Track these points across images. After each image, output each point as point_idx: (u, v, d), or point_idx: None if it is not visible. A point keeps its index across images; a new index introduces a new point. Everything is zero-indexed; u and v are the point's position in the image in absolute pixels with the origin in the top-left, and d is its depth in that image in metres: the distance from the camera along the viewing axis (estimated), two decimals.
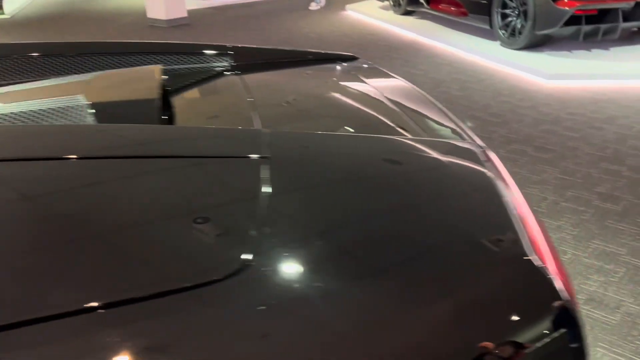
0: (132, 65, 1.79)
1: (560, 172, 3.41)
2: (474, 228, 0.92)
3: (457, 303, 0.78)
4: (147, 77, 1.51)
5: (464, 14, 6.81)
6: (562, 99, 4.76)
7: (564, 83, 5.14)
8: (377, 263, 0.80)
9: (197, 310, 0.67)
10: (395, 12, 8.75)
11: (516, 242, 0.93)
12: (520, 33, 6.00)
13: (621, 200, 3.05)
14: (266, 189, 0.89)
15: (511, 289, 0.86)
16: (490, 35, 6.57)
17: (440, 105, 1.65)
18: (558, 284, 0.87)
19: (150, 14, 9.03)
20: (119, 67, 1.73)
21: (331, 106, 1.51)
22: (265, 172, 0.94)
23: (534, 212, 1.07)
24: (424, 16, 8.32)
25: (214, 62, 1.89)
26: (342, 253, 0.80)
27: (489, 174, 1.11)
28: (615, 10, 5.59)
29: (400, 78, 1.81)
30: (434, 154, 1.15)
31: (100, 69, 1.72)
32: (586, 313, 2.19)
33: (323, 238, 0.83)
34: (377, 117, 1.39)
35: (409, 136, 1.25)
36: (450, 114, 1.49)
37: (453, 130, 1.35)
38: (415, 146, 1.17)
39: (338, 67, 1.90)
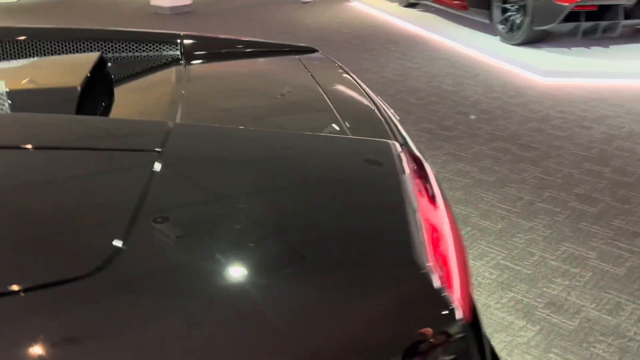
0: (75, 52, 1.76)
1: (541, 172, 3.35)
2: (354, 232, 0.88)
3: (313, 320, 0.73)
4: (77, 65, 1.48)
5: (464, 8, 6.72)
6: (554, 97, 4.68)
7: (559, 80, 5.05)
8: (241, 264, 0.76)
9: (61, 305, 0.64)
10: (399, 3, 8.66)
11: (403, 251, 0.88)
12: (519, 28, 5.90)
13: (599, 203, 2.99)
14: (140, 183, 0.86)
15: (390, 307, 0.80)
16: (491, 30, 6.47)
17: (378, 103, 1.60)
18: (452, 301, 0.81)
19: (154, 1, 9.00)
20: (60, 54, 1.70)
21: (259, 100, 1.47)
22: (147, 167, 0.91)
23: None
24: (427, 9, 8.21)
25: (163, 50, 1.86)
26: (200, 254, 0.77)
27: (395, 175, 1.07)
28: (616, 7, 5.48)
29: (349, 74, 1.76)
30: (336, 152, 1.11)
31: (41, 55, 1.69)
32: (544, 317, 2.15)
33: (185, 236, 0.79)
34: (301, 113, 1.35)
35: (322, 133, 1.21)
36: (384, 112, 1.45)
37: (378, 128, 1.31)
38: (319, 143, 1.13)
39: (288, 60, 1.86)
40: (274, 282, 0.74)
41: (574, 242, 2.63)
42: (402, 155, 1.15)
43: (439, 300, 0.81)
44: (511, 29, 6.04)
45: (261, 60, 1.87)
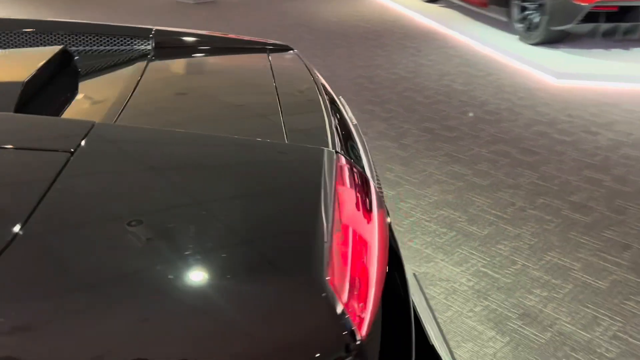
0: (44, 45, 1.77)
1: (538, 177, 3.27)
2: (249, 242, 0.87)
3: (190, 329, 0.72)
4: (32, 59, 1.49)
5: (484, 5, 6.59)
6: (565, 100, 4.56)
7: (572, 83, 4.92)
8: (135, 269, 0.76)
9: None
10: None
11: (297, 263, 0.87)
12: (537, 27, 5.77)
13: (593, 212, 2.91)
14: (43, 185, 0.86)
15: (275, 325, 0.78)
16: (510, 28, 6.34)
17: (338, 108, 1.58)
18: (346, 320, 0.79)
19: None
20: (24, 46, 1.71)
21: (210, 100, 1.46)
22: (54, 167, 0.91)
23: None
24: (449, 4, 8.09)
25: (135, 45, 1.86)
26: (91, 259, 0.77)
27: (316, 184, 1.05)
28: (637, 8, 5.31)
29: (314, 76, 1.73)
30: (259, 158, 1.09)
31: (3, 47, 1.71)
32: (516, 329, 2.10)
33: (85, 238, 0.79)
34: (245, 115, 1.34)
35: (256, 138, 1.19)
36: (337, 118, 1.42)
37: (319, 135, 1.28)
38: (246, 148, 1.12)
39: (256, 58, 1.84)
40: (154, 291, 0.73)
41: (559, 252, 2.57)
42: (333, 164, 1.13)
43: (332, 318, 0.79)
44: (529, 28, 5.91)
45: (228, 58, 1.86)
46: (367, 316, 0.90)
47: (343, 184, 1.10)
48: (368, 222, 1.10)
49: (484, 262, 2.49)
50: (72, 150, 0.97)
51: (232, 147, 1.12)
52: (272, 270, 0.85)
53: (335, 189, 1.05)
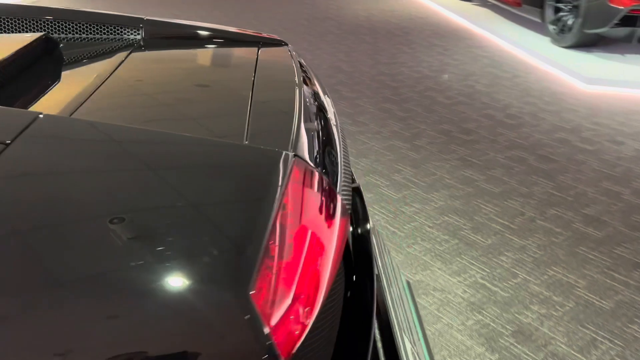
0: (24, 31, 1.75)
1: (554, 187, 3.14)
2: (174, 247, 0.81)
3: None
4: (6, 46, 1.46)
5: (518, 4, 6.39)
6: (592, 106, 4.38)
7: (602, 89, 4.73)
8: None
9: None
10: None
11: (222, 276, 0.81)
12: (570, 30, 5.57)
13: (606, 227, 2.77)
14: None
15: (189, 339, 0.73)
16: (543, 29, 6.14)
17: (300, 107, 1.50)
18: (264, 336, 0.74)
19: None
20: (6, 32, 1.69)
21: (182, 95, 1.41)
22: None
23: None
24: (484, 3, 7.89)
25: (124, 34, 1.83)
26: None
27: (260, 189, 0.99)
28: None
29: (300, 76, 1.66)
30: (207, 158, 1.04)
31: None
32: (507, 346, 2.00)
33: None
34: (212, 113, 1.28)
35: (208, 138, 1.14)
36: (300, 119, 1.35)
37: (282, 137, 1.22)
38: (196, 147, 1.07)
39: (244, 53, 1.78)
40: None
41: (565, 267, 2.45)
42: (287, 169, 1.06)
43: (252, 341, 0.74)
44: (562, 30, 5.71)
45: (215, 51, 1.81)
46: (300, 338, 0.84)
47: (296, 189, 1.04)
48: (321, 232, 1.03)
49: (483, 273, 2.40)
50: (7, 142, 0.93)
51: (180, 146, 1.07)
52: (189, 284, 0.80)
53: (283, 195, 0.99)
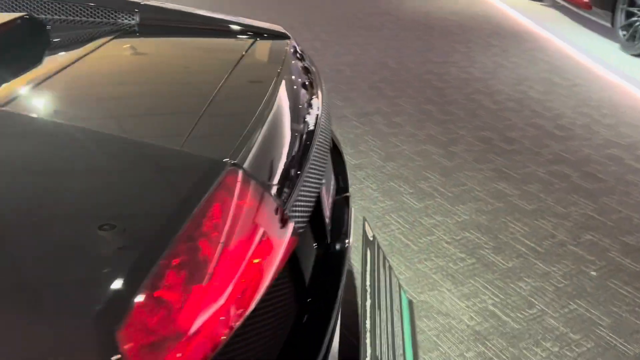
0: (17, 10, 1.69)
1: (594, 209, 2.86)
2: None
3: None
4: None
5: (588, 7, 5.98)
6: None
7: None
8: None
9: None
10: None
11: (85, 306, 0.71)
12: None
13: None
14: None
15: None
16: (613, 35, 5.71)
17: (265, 111, 1.36)
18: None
19: None
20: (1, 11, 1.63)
21: (137, 87, 1.30)
22: None
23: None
24: (554, 5, 7.46)
25: (119, 19, 1.75)
26: None
27: (174, 198, 0.87)
28: None
29: (291, 73, 1.52)
30: (125, 163, 0.93)
31: None
32: None
33: None
34: (158, 111, 1.17)
35: (136, 140, 1.02)
36: (259, 124, 1.22)
37: (230, 143, 1.08)
38: (118, 149, 0.97)
39: (234, 45, 1.66)
40: None
41: (589, 302, 2.20)
42: (216, 179, 0.93)
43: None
44: (633, 37, 5.28)
45: (204, 41, 1.70)
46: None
47: (226, 202, 0.91)
48: (243, 251, 0.90)
49: (496, 299, 2.19)
50: None
51: (98, 146, 0.96)
52: (50, 308, 0.70)
53: (202, 209, 0.86)
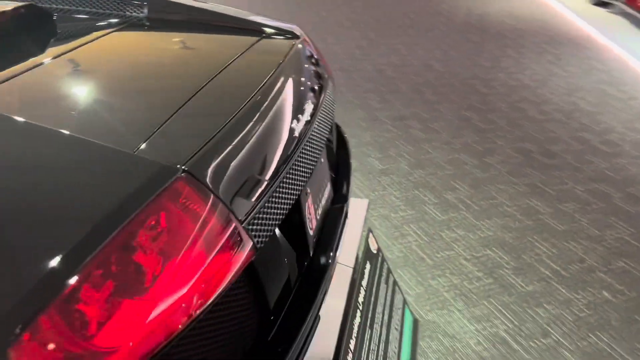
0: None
1: (631, 234, 2.66)
2: None
3: None
4: None
5: None
6: None
7: None
8: None
9: None
10: (588, 0, 7.59)
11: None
12: None
13: None
14: None
15: None
16: None
17: (238, 117, 1.29)
18: None
19: None
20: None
21: (115, 84, 1.26)
22: None
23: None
24: (621, 12, 7.07)
25: (126, 11, 1.72)
26: None
27: (106, 205, 0.82)
28: None
29: (267, 79, 1.45)
30: (71, 165, 0.89)
31: None
32: None
33: None
34: (127, 110, 1.12)
35: (91, 141, 0.97)
36: (226, 129, 1.15)
37: (190, 147, 1.03)
38: (68, 150, 0.93)
39: (237, 42, 1.60)
40: None
41: (612, 336, 2.04)
42: (161, 186, 0.87)
43: None
44: None
45: (207, 37, 1.65)
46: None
47: (169, 211, 0.85)
48: (187, 266, 0.85)
49: (509, 325, 2.06)
50: None
51: (49, 146, 0.92)
52: None
53: (141, 217, 0.81)
